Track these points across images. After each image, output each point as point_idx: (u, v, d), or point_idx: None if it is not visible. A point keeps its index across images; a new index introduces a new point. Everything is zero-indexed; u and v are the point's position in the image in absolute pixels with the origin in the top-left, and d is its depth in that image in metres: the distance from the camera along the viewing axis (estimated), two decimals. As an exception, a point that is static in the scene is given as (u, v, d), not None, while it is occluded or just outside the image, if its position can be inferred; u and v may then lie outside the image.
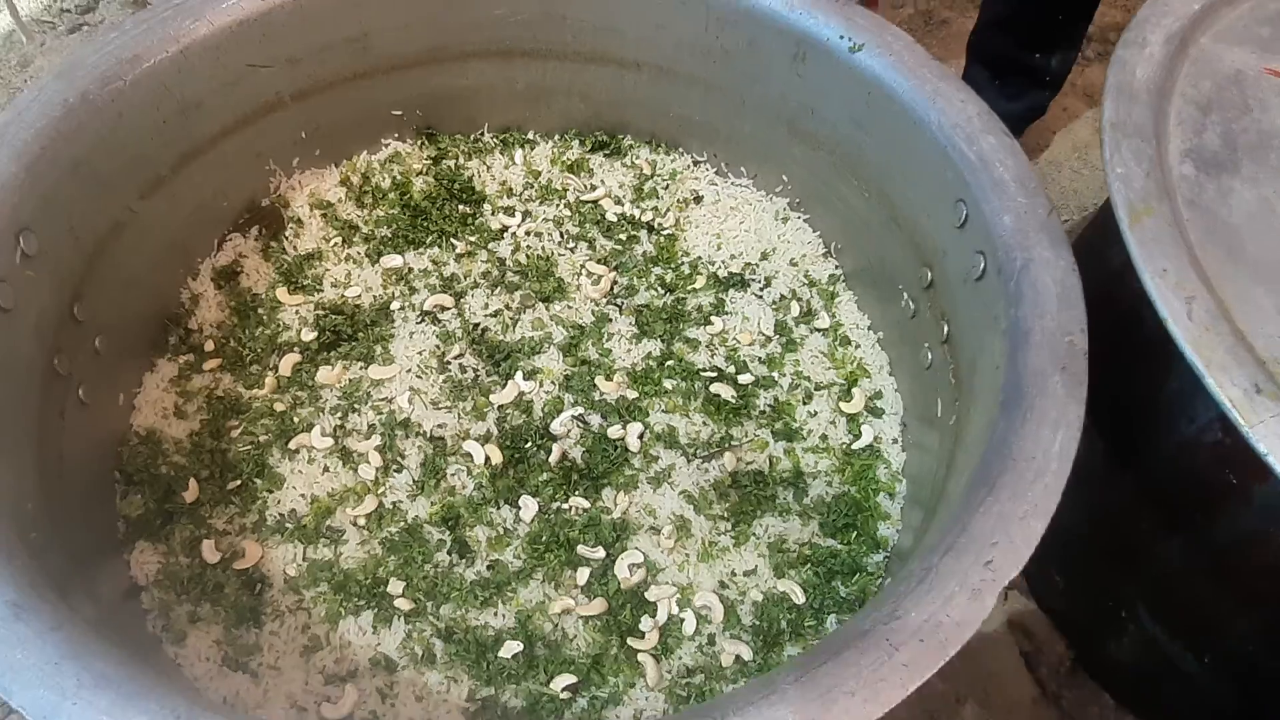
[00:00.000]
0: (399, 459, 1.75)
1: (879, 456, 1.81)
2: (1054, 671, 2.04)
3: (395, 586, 1.60)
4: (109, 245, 1.68)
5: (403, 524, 1.68)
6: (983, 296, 1.44)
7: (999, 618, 2.11)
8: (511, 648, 1.55)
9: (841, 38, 1.69)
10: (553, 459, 1.74)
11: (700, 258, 2.07)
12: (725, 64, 1.92)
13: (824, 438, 1.83)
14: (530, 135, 2.24)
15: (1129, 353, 1.49)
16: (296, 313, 1.95)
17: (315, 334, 1.90)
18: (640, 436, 1.78)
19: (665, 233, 2.10)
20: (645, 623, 1.59)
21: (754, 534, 1.69)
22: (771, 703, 0.98)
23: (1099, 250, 1.61)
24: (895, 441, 1.83)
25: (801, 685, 0.99)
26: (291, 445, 1.76)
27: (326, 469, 1.74)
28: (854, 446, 1.82)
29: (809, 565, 1.66)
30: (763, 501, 1.72)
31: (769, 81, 1.89)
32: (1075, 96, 3.01)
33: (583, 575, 1.63)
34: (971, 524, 1.11)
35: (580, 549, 1.64)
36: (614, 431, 1.77)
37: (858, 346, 1.95)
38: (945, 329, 1.60)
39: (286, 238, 2.04)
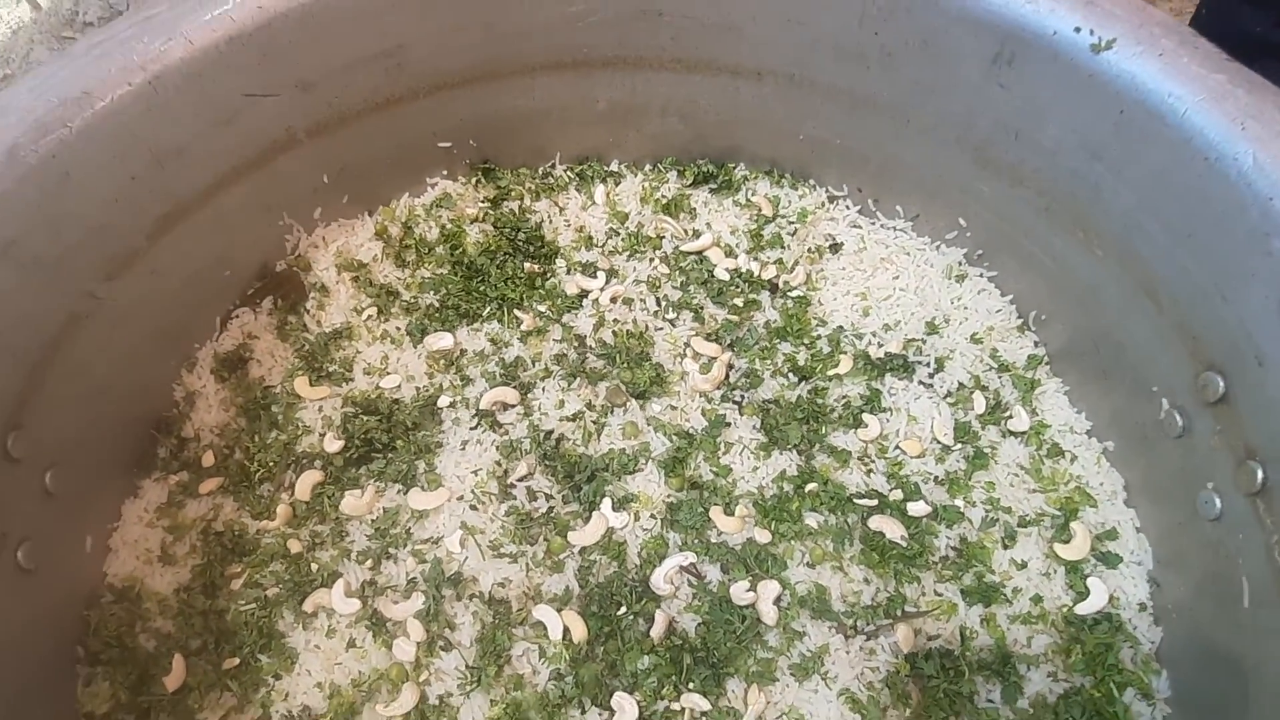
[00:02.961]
0: (447, 631, 1.28)
1: (1119, 629, 1.27)
2: None
3: (442, 833, 1.15)
4: (62, 348, 1.26)
5: (452, 731, 1.21)
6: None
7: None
8: None
9: (1079, 30, 1.15)
10: (656, 632, 1.26)
11: (842, 328, 1.55)
12: (885, 70, 1.39)
13: (1036, 599, 1.29)
14: (614, 166, 1.74)
15: None
16: (320, 410, 1.50)
17: (341, 443, 1.45)
18: (777, 601, 1.27)
19: (793, 294, 1.59)
20: None
21: (950, 758, 1.18)
22: None
23: None
24: (1143, 608, 1.28)
25: None
26: (307, 606, 1.31)
27: (352, 643, 1.29)
28: (1079, 611, 1.28)
29: (1036, 811, 1.14)
30: (957, 702, 1.21)
31: (951, 93, 1.35)
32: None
33: (706, 822, 1.14)
34: None
35: (700, 779, 1.15)
36: (740, 593, 1.27)
37: (1073, 459, 1.40)
38: (1260, 475, 1.04)
39: (308, 310, 1.60)
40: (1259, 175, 1.00)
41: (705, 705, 1.21)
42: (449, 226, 1.68)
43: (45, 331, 1.23)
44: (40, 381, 1.23)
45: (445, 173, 1.70)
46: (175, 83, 1.29)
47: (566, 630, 1.27)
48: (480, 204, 1.70)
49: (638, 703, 1.21)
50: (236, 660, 1.28)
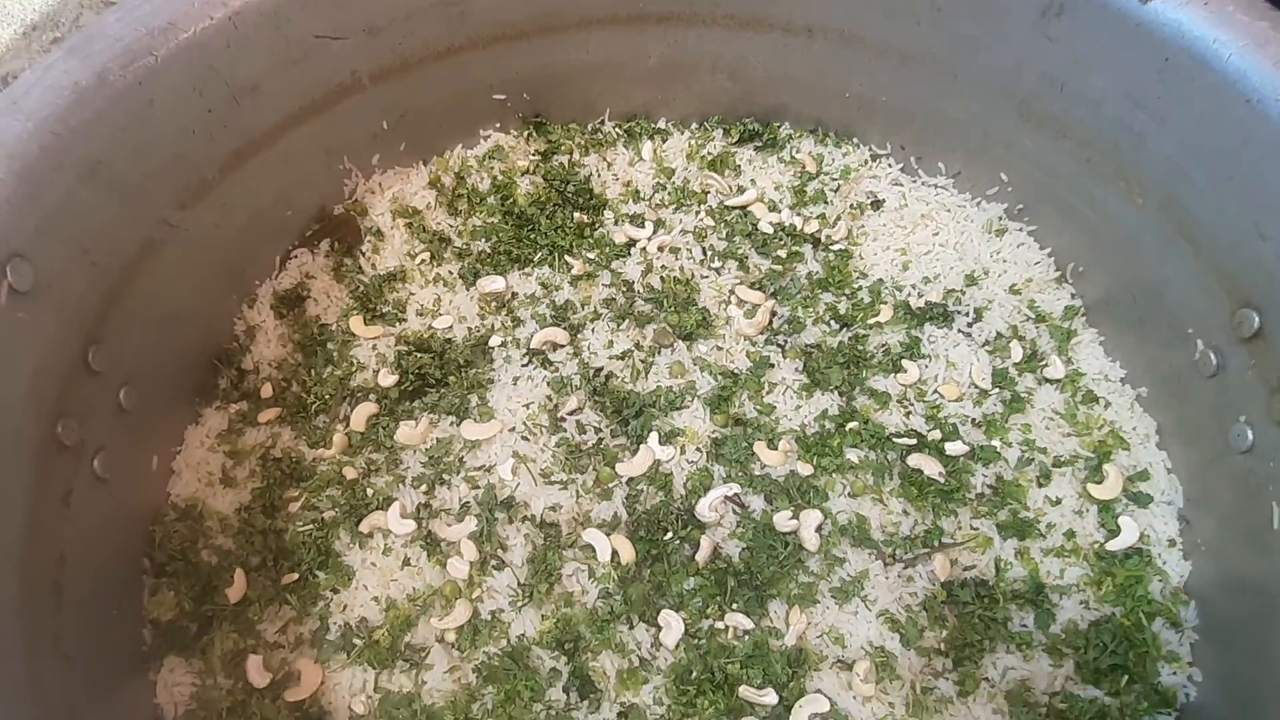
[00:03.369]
0: (500, 551, 1.33)
1: (1149, 563, 1.31)
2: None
3: (495, 735, 1.19)
4: (139, 270, 1.31)
5: (505, 643, 1.26)
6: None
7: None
8: (652, 833, 1.13)
9: (1127, -20, 1.19)
10: (701, 556, 1.30)
11: (882, 280, 1.59)
12: (935, 26, 1.44)
13: (1069, 534, 1.34)
14: (661, 124, 1.80)
15: None
16: (374, 348, 1.55)
17: (396, 378, 1.50)
18: (819, 529, 1.32)
19: (835, 248, 1.63)
20: (836, 803, 1.15)
21: (985, 677, 1.22)
22: None
23: None
24: (1173, 544, 1.32)
25: None
26: (363, 527, 1.36)
27: (407, 561, 1.34)
28: (1110, 547, 1.32)
29: (1067, 728, 1.18)
30: (992, 627, 1.25)
31: (1000, 47, 1.40)
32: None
33: (748, 731, 1.19)
34: None
35: (743, 691, 1.20)
36: (782, 521, 1.32)
37: (1107, 405, 1.44)
38: (1295, 405, 1.09)
39: (363, 253, 1.65)
40: (1300, 115, 1.04)
41: (749, 624, 1.25)
42: (500, 178, 1.73)
43: (124, 253, 1.28)
44: (119, 300, 1.28)
45: (498, 125, 1.76)
46: (254, 20, 1.35)
47: (615, 553, 1.31)
48: (531, 156, 1.75)
49: (683, 620, 1.26)
50: (295, 576, 1.34)
